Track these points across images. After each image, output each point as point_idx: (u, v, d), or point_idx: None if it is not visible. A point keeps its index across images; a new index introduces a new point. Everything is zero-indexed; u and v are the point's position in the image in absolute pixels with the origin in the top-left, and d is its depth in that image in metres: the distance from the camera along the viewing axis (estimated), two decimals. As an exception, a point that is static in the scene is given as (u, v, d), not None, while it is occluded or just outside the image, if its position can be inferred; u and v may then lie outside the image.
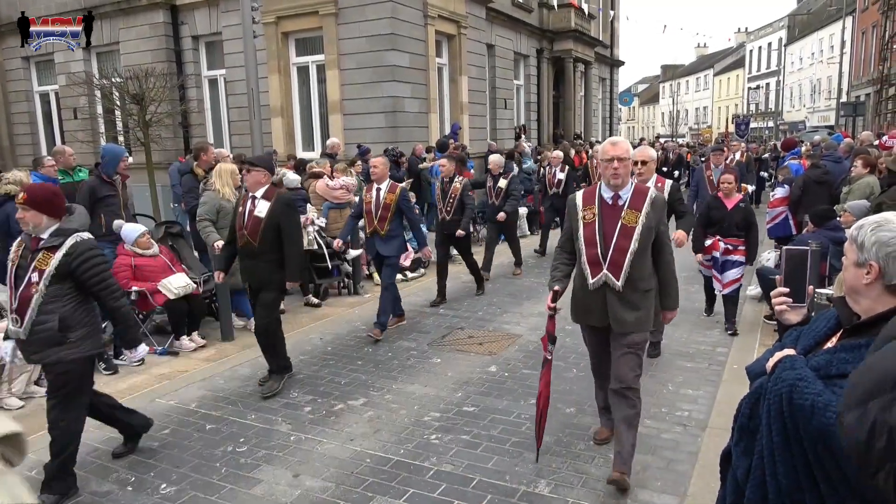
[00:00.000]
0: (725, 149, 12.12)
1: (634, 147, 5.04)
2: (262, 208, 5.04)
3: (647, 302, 3.64)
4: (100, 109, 14.44)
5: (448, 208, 8.00)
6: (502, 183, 9.17)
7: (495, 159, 9.64)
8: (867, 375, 1.37)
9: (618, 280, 3.53)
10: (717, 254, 6.41)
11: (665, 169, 18.35)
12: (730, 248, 6.39)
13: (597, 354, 3.94)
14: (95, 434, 4.44)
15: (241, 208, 5.18)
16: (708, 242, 6.46)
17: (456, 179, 8.15)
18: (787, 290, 1.97)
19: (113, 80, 13.14)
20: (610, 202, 3.61)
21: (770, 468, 1.65)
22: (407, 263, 9.09)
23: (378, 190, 6.57)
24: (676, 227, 5.44)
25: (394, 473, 3.84)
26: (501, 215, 9.04)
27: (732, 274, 6.37)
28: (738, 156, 13.50)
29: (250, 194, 5.15)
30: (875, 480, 1.35)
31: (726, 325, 6.49)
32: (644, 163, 5.09)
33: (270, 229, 5.03)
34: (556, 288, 3.70)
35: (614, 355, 3.68)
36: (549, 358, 3.84)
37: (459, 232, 7.86)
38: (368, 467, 3.93)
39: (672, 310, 3.89)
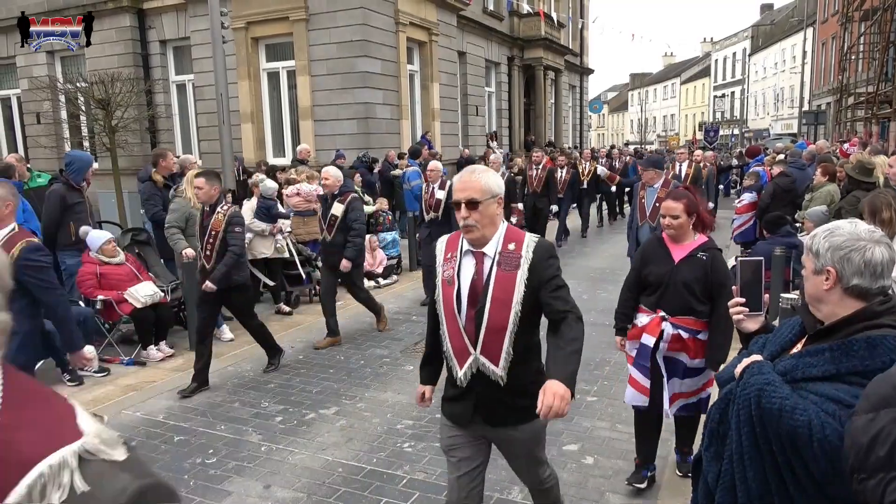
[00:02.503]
0: (670, 164, 9.25)
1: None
2: None
3: None
4: (64, 115, 14.15)
5: (208, 252, 5.31)
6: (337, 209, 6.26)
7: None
8: (887, 382, 1.38)
9: None
10: (648, 339, 3.40)
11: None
12: (682, 333, 3.34)
13: None
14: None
15: None
16: (644, 320, 3.45)
17: (219, 208, 5.31)
18: (742, 300, 2.01)
19: (78, 84, 12.89)
20: None
21: (740, 472, 1.68)
22: (380, 270, 9.05)
23: None
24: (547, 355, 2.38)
25: (366, 483, 3.81)
26: (345, 264, 6.20)
27: (685, 385, 3.46)
28: (684, 168, 9.38)
29: None
30: (862, 486, 1.34)
31: (675, 447, 3.87)
32: (472, 204, 2.34)
33: None
34: None
35: None
36: None
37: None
38: (341, 477, 3.89)
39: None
